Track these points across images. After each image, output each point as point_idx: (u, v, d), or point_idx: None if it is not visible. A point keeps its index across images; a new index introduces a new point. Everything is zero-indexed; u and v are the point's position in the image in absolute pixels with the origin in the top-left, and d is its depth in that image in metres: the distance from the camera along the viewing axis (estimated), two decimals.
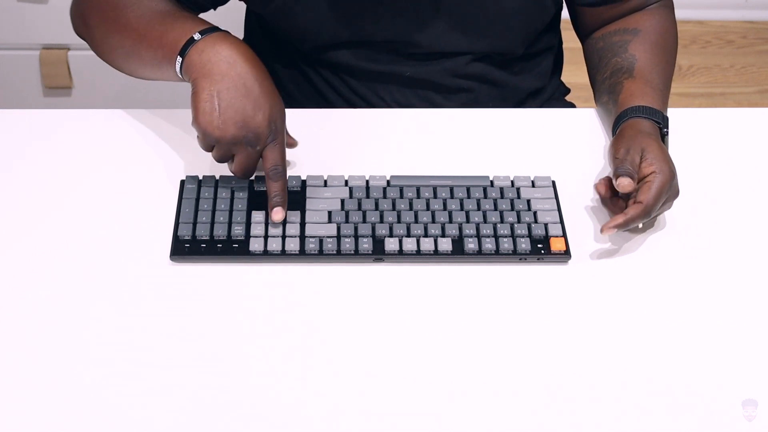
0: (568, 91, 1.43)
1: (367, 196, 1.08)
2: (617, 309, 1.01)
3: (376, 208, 1.07)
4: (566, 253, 1.04)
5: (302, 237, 1.04)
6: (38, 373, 0.93)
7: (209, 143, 1.01)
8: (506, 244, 1.04)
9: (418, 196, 1.08)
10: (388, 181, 1.10)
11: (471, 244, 1.04)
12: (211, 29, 1.04)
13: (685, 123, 1.21)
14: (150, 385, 0.92)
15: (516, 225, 1.06)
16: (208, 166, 1.11)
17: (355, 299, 1.00)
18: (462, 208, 1.07)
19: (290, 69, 1.31)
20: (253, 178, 1.07)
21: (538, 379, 0.94)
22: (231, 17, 1.45)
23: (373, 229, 1.05)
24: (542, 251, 1.04)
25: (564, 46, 1.40)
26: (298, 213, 1.06)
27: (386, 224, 1.05)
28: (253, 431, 0.89)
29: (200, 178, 1.09)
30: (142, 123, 1.18)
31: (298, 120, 1.15)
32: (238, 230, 1.04)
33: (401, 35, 1.22)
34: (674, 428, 0.91)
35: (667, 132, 1.11)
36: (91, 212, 1.08)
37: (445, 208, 1.07)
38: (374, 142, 1.18)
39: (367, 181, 1.10)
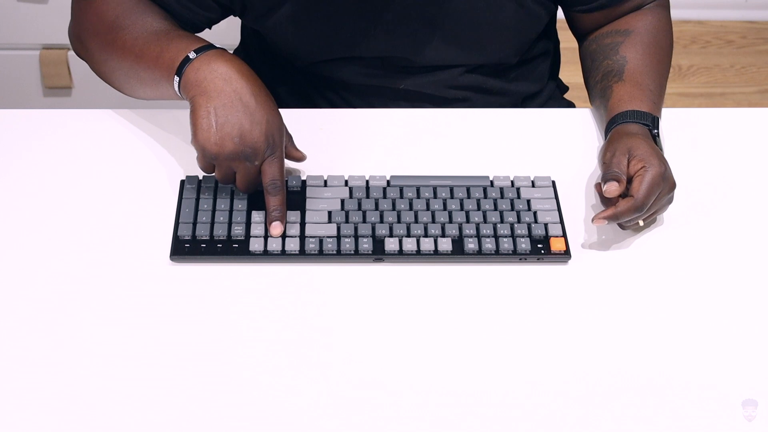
0: (566, 88, 1.43)
1: (367, 196, 1.08)
2: (617, 309, 1.01)
3: (376, 208, 1.07)
4: (566, 253, 1.04)
5: (302, 237, 1.04)
6: (38, 372, 0.93)
7: (208, 160, 1.02)
8: (506, 244, 1.04)
9: (418, 196, 1.08)
10: (388, 182, 1.10)
11: (471, 244, 1.04)
12: (206, 47, 1.05)
13: (685, 123, 1.21)
14: (150, 384, 0.92)
15: (516, 225, 1.06)
16: None
17: (355, 299, 1.00)
18: (462, 208, 1.07)
19: (287, 83, 1.31)
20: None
21: (539, 378, 0.94)
22: (227, 32, 1.45)
23: (373, 229, 1.05)
24: (542, 251, 1.04)
25: (562, 46, 1.40)
26: (298, 213, 1.06)
27: (386, 224, 1.05)
28: (254, 431, 0.90)
29: (200, 178, 1.09)
30: (142, 123, 1.18)
31: (298, 120, 1.15)
32: (238, 230, 1.04)
33: (395, 52, 1.22)
34: (674, 428, 0.91)
35: (658, 133, 1.11)
36: (91, 212, 1.08)
37: (445, 208, 1.07)
38: (374, 142, 1.18)
39: (367, 181, 1.10)
